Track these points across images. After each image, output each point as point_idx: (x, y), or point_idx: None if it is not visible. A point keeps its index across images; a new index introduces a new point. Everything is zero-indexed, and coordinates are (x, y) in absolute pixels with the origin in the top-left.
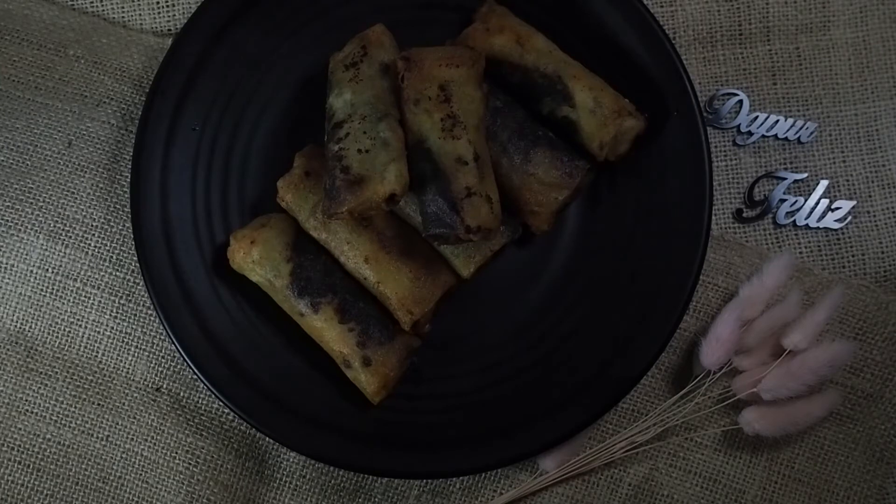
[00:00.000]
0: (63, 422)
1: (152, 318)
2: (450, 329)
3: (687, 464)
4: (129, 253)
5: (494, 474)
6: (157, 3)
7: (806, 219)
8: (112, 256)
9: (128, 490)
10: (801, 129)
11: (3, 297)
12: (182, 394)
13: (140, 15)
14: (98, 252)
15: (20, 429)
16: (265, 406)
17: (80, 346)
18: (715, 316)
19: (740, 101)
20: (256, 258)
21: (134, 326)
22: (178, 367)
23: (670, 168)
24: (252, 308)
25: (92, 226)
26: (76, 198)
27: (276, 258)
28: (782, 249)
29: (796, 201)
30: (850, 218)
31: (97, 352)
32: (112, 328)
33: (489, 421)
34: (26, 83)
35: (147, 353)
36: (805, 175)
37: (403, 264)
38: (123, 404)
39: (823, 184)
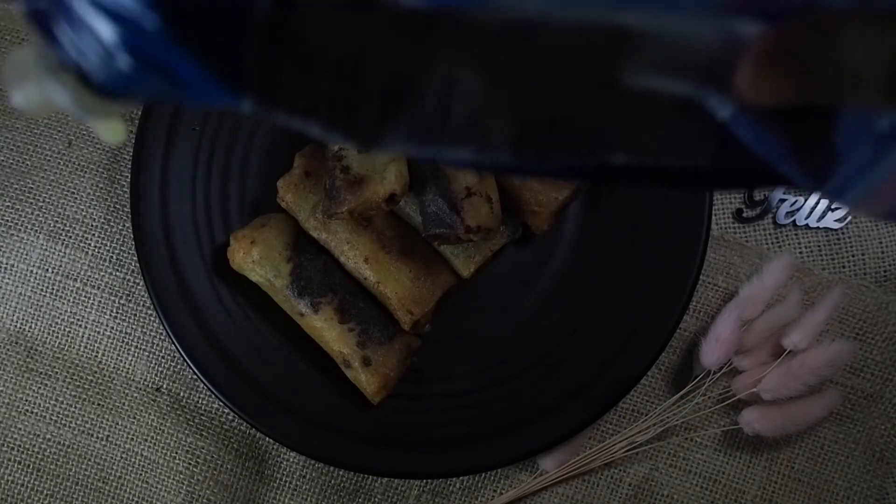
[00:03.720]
0: (63, 422)
1: (152, 318)
2: (450, 329)
3: (687, 464)
4: (129, 253)
5: (494, 474)
6: None
7: (806, 219)
8: (112, 256)
9: (128, 490)
10: None
11: (3, 297)
12: (182, 394)
13: None
14: (98, 252)
15: (20, 429)
16: (265, 406)
17: (80, 346)
18: (715, 316)
19: None
20: (256, 258)
21: (134, 326)
22: (178, 367)
23: None
24: (252, 308)
25: (92, 226)
26: (76, 198)
27: (276, 258)
28: (782, 249)
29: (796, 201)
30: (850, 218)
31: (97, 352)
32: (112, 328)
33: (489, 421)
34: None
35: (147, 353)
36: None
37: (403, 264)
38: (123, 404)
39: None
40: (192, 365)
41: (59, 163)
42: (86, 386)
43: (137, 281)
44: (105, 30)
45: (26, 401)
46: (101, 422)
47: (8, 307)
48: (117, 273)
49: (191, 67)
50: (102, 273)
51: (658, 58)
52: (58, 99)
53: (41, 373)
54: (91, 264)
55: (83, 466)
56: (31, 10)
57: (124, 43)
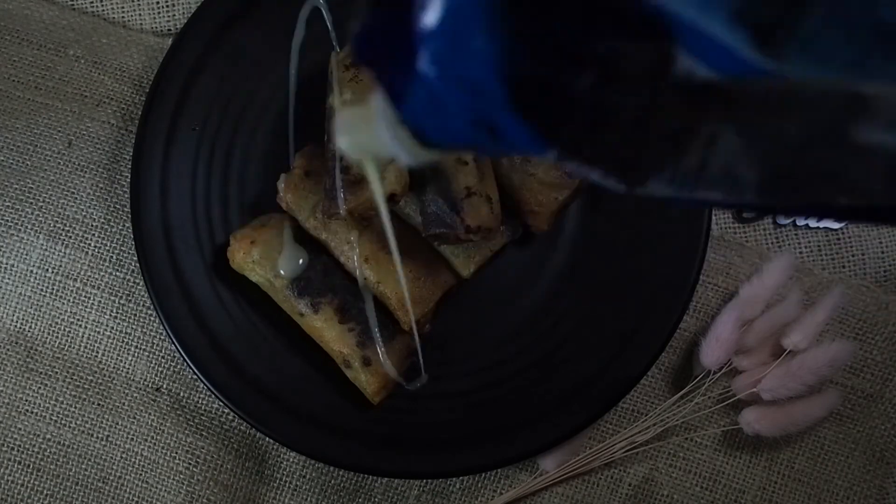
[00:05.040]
0: (63, 422)
1: (152, 318)
2: (450, 329)
3: (687, 464)
4: (129, 253)
5: (494, 474)
6: (157, 3)
7: (806, 219)
8: (112, 256)
9: (128, 490)
10: None
11: (3, 297)
12: (182, 394)
13: (140, 15)
14: (98, 252)
15: (20, 429)
16: (265, 406)
17: (80, 346)
18: (715, 316)
19: None
20: (256, 258)
21: (134, 326)
22: (178, 367)
23: None
24: (252, 308)
25: (92, 226)
26: (76, 198)
27: (276, 258)
28: (782, 249)
29: None
30: None
31: (97, 352)
32: (112, 328)
33: (489, 421)
34: (26, 83)
35: (147, 353)
36: None
37: (403, 264)
38: (123, 404)
39: None
40: (192, 365)
41: (59, 163)
42: (86, 386)
43: (137, 281)
44: (455, 99)
45: (26, 401)
46: (101, 422)
47: (8, 307)
48: (117, 273)
49: (519, 128)
50: (102, 273)
51: (886, 117)
52: (389, 147)
53: (41, 373)
54: (91, 264)
55: (83, 466)
56: (386, 84)
57: (470, 110)
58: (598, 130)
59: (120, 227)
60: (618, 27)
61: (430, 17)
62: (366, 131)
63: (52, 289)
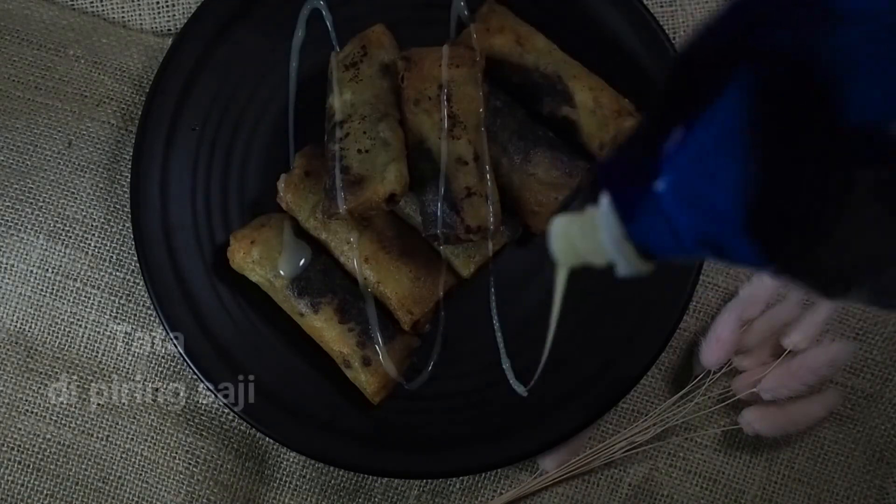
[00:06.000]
0: (63, 422)
1: (152, 318)
2: (450, 329)
3: (687, 464)
4: (129, 253)
5: (494, 474)
6: (157, 3)
7: None
8: (112, 256)
9: (128, 490)
10: None
11: (3, 297)
12: (182, 394)
13: (140, 15)
14: (98, 252)
15: (20, 429)
16: (265, 406)
17: (80, 346)
18: (715, 316)
19: None
20: (256, 258)
21: (134, 326)
22: (179, 367)
23: None
24: (252, 308)
25: (92, 226)
26: (76, 198)
27: (276, 258)
28: None
29: None
30: None
31: (97, 352)
32: (112, 328)
33: (489, 421)
34: (26, 83)
35: (147, 353)
36: None
37: (403, 264)
38: (123, 404)
39: None
40: (191, 365)
41: (59, 163)
42: (86, 386)
43: (137, 281)
44: (684, 219)
45: (26, 401)
46: (101, 422)
47: (8, 307)
48: (117, 273)
49: (747, 249)
50: (102, 273)
51: None
52: (608, 257)
53: (41, 373)
54: (91, 264)
55: (83, 466)
56: (620, 203)
57: (701, 231)
58: (815, 250)
59: (120, 227)
60: (862, 154)
61: (678, 142)
62: (585, 240)
63: (52, 289)
